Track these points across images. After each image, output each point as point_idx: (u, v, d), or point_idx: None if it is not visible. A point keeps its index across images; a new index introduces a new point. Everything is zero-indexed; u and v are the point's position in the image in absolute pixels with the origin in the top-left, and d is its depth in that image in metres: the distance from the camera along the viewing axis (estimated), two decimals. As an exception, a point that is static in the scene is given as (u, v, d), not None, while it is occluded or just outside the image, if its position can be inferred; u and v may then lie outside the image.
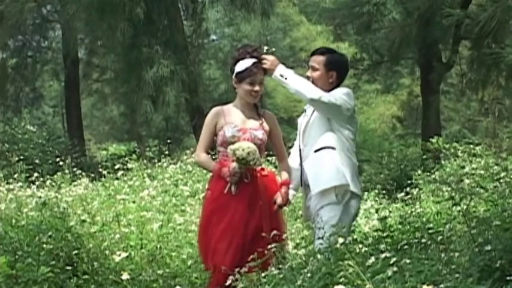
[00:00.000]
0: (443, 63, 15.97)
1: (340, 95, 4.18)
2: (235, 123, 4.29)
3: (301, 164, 4.32)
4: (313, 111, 4.29)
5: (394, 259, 2.86)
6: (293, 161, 4.43)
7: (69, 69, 19.45)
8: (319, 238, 3.70)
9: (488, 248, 2.97)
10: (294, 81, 4.20)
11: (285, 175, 4.39)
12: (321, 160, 4.17)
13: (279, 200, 4.26)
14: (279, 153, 4.49)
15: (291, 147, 4.66)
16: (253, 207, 4.19)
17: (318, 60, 4.30)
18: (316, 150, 4.20)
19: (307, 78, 4.30)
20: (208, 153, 4.41)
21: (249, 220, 4.16)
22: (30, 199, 6.81)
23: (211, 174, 4.42)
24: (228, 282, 3.61)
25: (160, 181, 8.27)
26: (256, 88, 4.29)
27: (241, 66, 4.29)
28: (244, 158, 4.07)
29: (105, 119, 32.85)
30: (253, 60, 4.29)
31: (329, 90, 4.24)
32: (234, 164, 4.13)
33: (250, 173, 4.21)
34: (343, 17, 17.00)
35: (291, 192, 4.35)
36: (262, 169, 4.34)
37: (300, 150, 4.37)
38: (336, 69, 4.29)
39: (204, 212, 4.39)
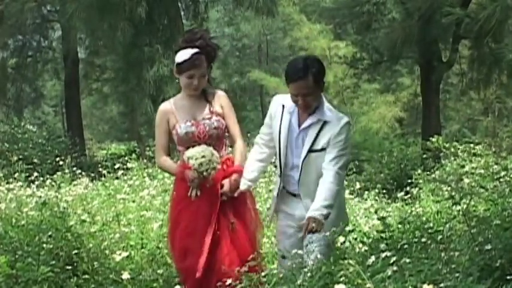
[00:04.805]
0: (443, 62, 15.98)
1: (345, 145, 3.77)
2: (186, 119, 4.02)
3: (282, 171, 3.91)
4: (309, 126, 3.85)
5: (394, 258, 2.86)
6: (258, 154, 4.06)
7: (69, 68, 19.49)
8: (312, 242, 3.68)
9: (488, 247, 2.98)
10: (331, 200, 3.71)
11: (237, 160, 4.06)
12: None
13: (225, 187, 3.94)
14: (231, 134, 4.11)
15: None
16: (216, 204, 3.96)
17: (306, 86, 3.71)
18: None
19: (301, 103, 3.76)
20: (169, 154, 4.15)
21: (212, 217, 3.94)
22: (30, 199, 6.79)
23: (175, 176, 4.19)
24: (228, 281, 3.58)
25: (161, 180, 8.23)
26: (195, 82, 3.99)
27: (180, 57, 3.99)
28: (195, 168, 3.85)
29: (105, 119, 32.94)
30: (194, 51, 3.98)
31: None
32: (191, 172, 3.89)
33: (210, 180, 3.93)
34: (343, 16, 17.05)
35: (246, 183, 4.01)
36: (228, 159, 4.06)
37: (280, 154, 3.91)
38: (323, 78, 3.83)
39: (171, 214, 4.19)
